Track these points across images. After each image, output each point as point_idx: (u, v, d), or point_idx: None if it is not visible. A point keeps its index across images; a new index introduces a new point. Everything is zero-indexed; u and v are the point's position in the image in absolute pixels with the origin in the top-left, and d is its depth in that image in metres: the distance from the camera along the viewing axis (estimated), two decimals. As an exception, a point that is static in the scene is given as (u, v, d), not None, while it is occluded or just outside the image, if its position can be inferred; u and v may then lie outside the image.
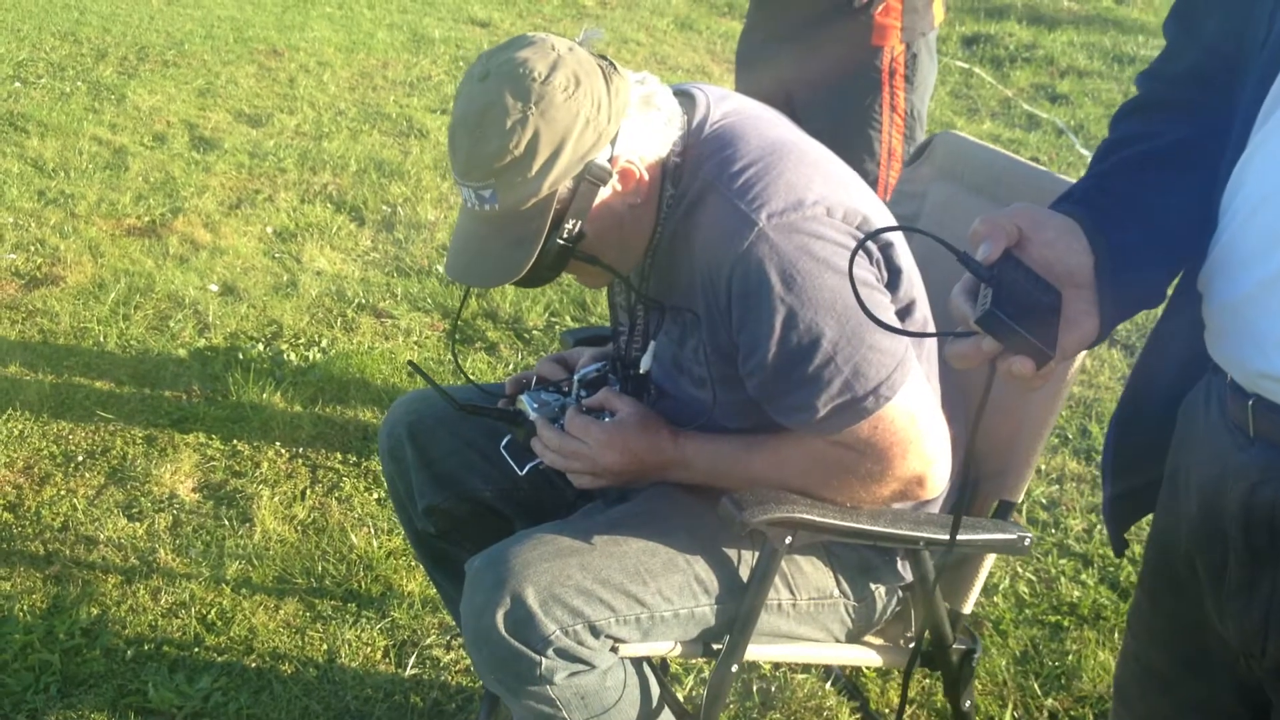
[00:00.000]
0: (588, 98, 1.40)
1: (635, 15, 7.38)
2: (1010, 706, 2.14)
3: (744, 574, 1.55)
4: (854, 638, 1.67)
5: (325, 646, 2.18)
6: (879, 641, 1.72)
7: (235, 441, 2.77)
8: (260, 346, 3.20)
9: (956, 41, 6.86)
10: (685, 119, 1.53)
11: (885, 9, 2.47)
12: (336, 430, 2.84)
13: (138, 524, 2.47)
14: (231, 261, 3.70)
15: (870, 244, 1.47)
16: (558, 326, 3.40)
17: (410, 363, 1.79)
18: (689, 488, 1.61)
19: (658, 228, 1.53)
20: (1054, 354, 0.97)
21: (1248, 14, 1.01)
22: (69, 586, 2.27)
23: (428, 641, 2.20)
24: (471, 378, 2.08)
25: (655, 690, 1.58)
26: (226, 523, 2.49)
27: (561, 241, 1.45)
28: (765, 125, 1.55)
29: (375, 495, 2.61)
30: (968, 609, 1.70)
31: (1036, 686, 2.19)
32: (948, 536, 1.49)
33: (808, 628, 1.61)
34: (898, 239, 1.54)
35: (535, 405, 1.68)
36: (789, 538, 1.47)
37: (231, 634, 2.19)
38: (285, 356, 3.14)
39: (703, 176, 1.47)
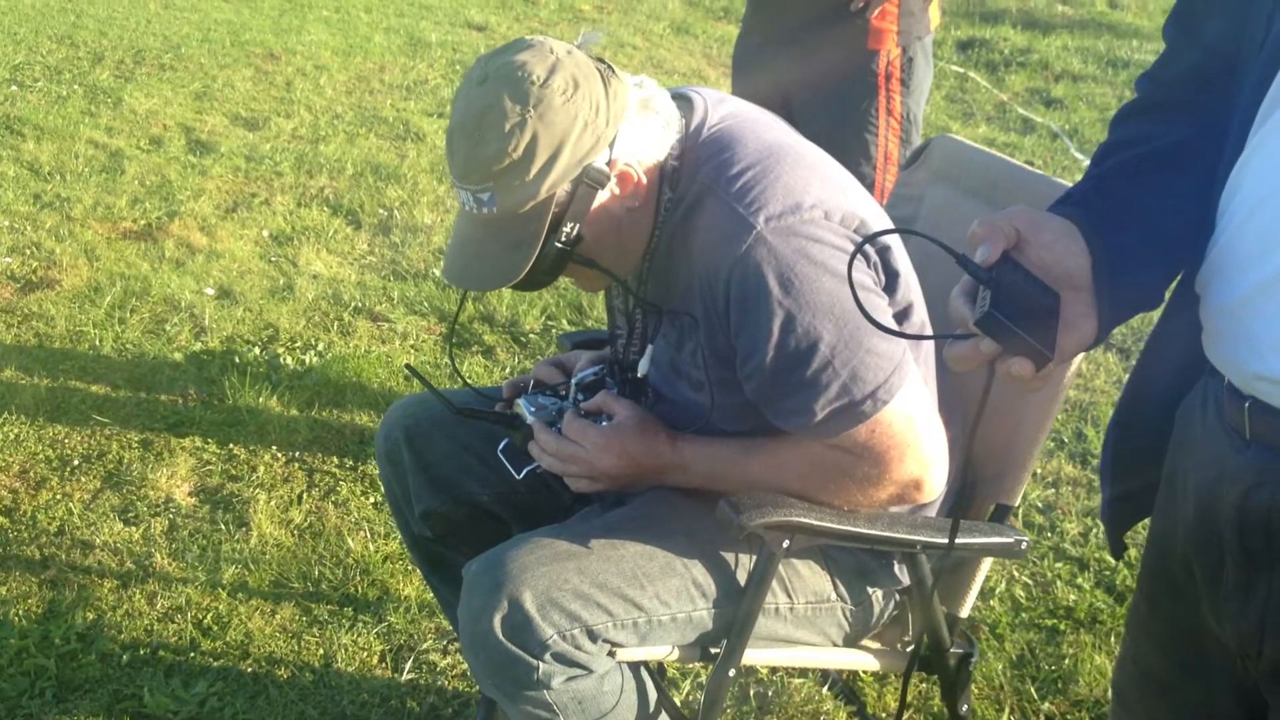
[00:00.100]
0: (586, 101, 1.40)
1: (632, 19, 7.39)
2: (1007, 711, 2.14)
3: (741, 578, 1.54)
4: (851, 642, 1.67)
5: (321, 651, 2.17)
6: (876, 645, 1.72)
7: (231, 445, 2.76)
8: (256, 350, 3.20)
9: (952, 46, 6.88)
10: (683, 122, 1.53)
11: (881, 13, 2.48)
12: (333, 434, 2.84)
13: (133, 528, 2.47)
14: (228, 265, 3.70)
15: (868, 248, 1.48)
16: (554, 330, 3.40)
17: (408, 366, 1.79)
18: (686, 491, 1.60)
19: (655, 231, 1.53)
20: (1053, 355, 0.97)
21: (1246, 16, 1.02)
22: (64, 591, 2.27)
23: (424, 646, 2.20)
24: (468, 381, 2.08)
25: (653, 695, 1.57)
26: (223, 527, 2.49)
27: (559, 245, 1.45)
28: (762, 128, 1.55)
29: (372, 499, 2.60)
30: (965, 613, 1.70)
31: (1033, 690, 2.19)
32: (945, 540, 1.49)
33: (805, 631, 1.61)
34: (895, 242, 1.54)
35: (532, 409, 1.68)
36: (786, 541, 1.47)
37: (228, 639, 2.18)
38: (281, 360, 3.14)
39: (700, 180, 1.47)
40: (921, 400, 1.47)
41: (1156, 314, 1.13)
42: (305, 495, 2.61)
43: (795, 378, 1.42)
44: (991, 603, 2.41)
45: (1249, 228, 0.98)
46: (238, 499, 2.58)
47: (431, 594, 2.11)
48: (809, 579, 1.60)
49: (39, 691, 2.04)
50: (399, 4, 7.34)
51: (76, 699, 2.03)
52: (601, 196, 1.45)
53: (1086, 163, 4.96)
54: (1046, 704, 2.16)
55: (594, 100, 1.41)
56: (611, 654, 1.50)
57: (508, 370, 3.19)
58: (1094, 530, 2.65)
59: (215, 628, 2.21)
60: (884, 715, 2.12)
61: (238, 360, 3.12)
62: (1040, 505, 2.77)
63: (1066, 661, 2.26)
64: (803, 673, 2.18)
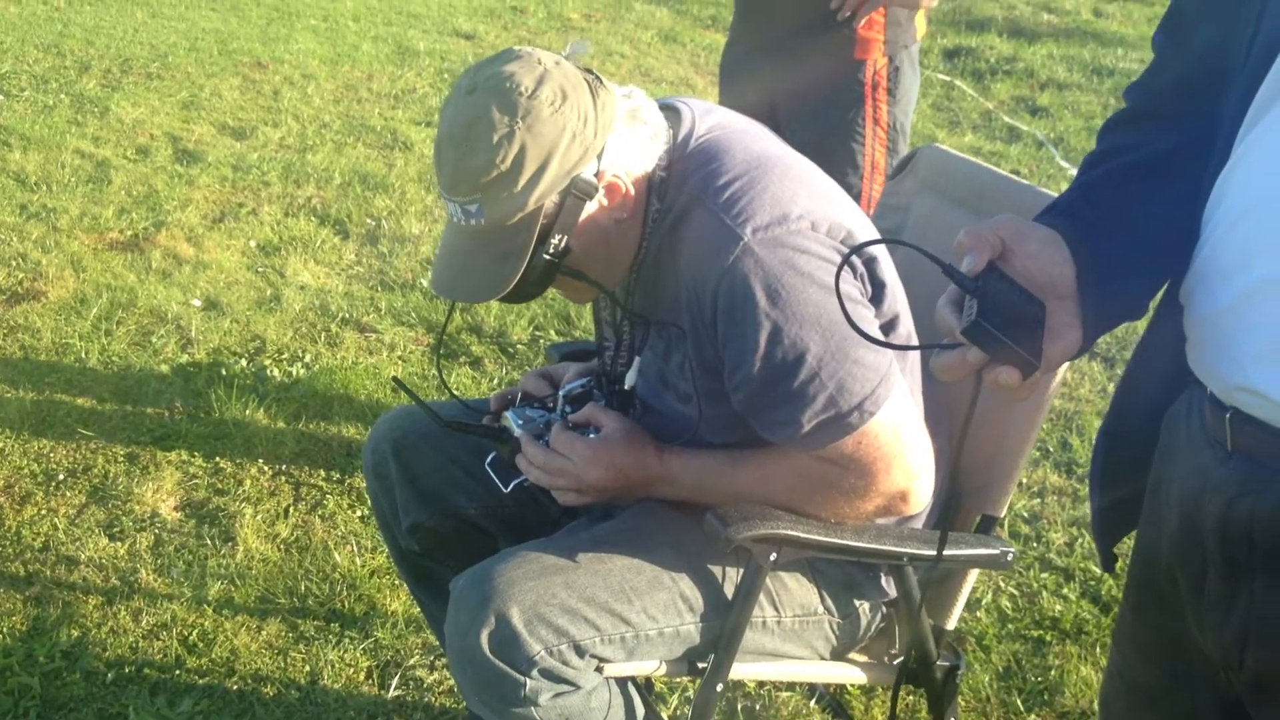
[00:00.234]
0: (574, 112, 1.40)
1: (620, 28, 7.39)
2: (994, 722, 2.14)
3: (729, 591, 1.54)
4: (838, 655, 1.67)
5: (308, 668, 2.16)
6: (863, 658, 1.72)
7: (218, 459, 2.75)
8: (243, 362, 3.19)
9: (938, 54, 6.90)
10: (670, 133, 1.53)
11: (868, 23, 2.48)
12: (320, 447, 2.83)
13: (119, 544, 2.45)
14: (215, 276, 3.68)
15: (854, 259, 1.48)
16: (542, 341, 3.39)
17: (394, 379, 1.79)
18: (674, 504, 1.60)
19: (643, 242, 1.53)
20: (1039, 363, 0.98)
21: (1233, 26, 1.02)
22: (49, 608, 2.25)
23: (411, 662, 2.19)
24: (456, 394, 2.07)
25: (640, 710, 1.57)
26: (209, 542, 2.47)
27: (548, 257, 1.45)
28: (750, 139, 1.55)
29: (359, 513, 2.59)
30: (951, 625, 1.70)
31: (1019, 703, 2.19)
32: (931, 552, 1.50)
33: (792, 645, 1.61)
34: (881, 253, 1.55)
35: (520, 422, 1.67)
36: (774, 554, 1.47)
37: (213, 655, 2.17)
38: (268, 372, 3.13)
39: (688, 191, 1.47)
40: (908, 412, 1.47)
41: (1143, 323, 1.13)
42: (292, 509, 2.59)
43: (782, 389, 1.42)
44: (978, 614, 2.41)
45: (1232, 237, 0.98)
46: (224, 513, 2.56)
47: (418, 609, 2.10)
48: (796, 592, 1.59)
49: (23, 711, 2.02)
50: (387, 13, 7.33)
51: (61, 718, 2.02)
52: (589, 208, 1.45)
53: (1072, 171, 5.00)
54: (1033, 716, 2.16)
55: (582, 111, 1.41)
56: (599, 669, 1.49)
57: (495, 381, 3.19)
58: (1079, 540, 2.66)
59: (201, 644, 2.20)
60: (872, 727, 2.12)
61: (224, 372, 3.11)
62: (1026, 515, 2.77)
63: (1053, 673, 2.26)
64: (790, 686, 2.18)
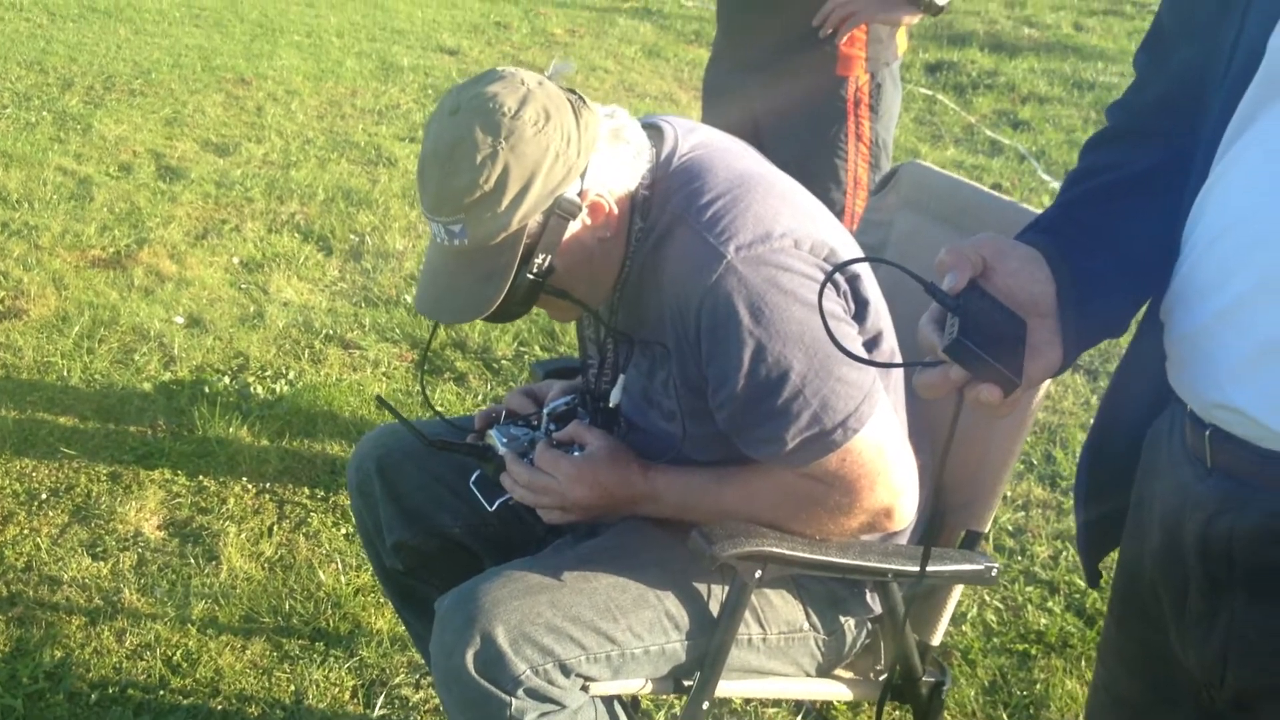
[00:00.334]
0: (557, 132, 1.41)
1: (603, 43, 7.41)
2: (981, 737, 2.15)
3: (714, 609, 1.54)
4: (824, 671, 1.67)
5: (293, 687, 2.15)
6: (849, 675, 1.72)
7: (201, 477, 2.74)
8: (226, 379, 3.17)
9: (920, 68, 6.94)
10: (654, 151, 1.53)
11: (850, 39, 2.50)
12: (304, 464, 2.82)
13: (102, 563, 2.44)
14: (197, 293, 3.67)
15: (838, 276, 1.49)
16: (526, 356, 3.39)
17: (378, 397, 1.79)
18: (659, 522, 1.60)
19: (627, 260, 1.53)
20: (1020, 381, 0.98)
21: (1212, 46, 1.03)
22: (32, 629, 2.24)
23: (396, 681, 2.18)
24: (440, 411, 2.07)
25: (626, 728, 1.57)
26: (192, 561, 2.46)
27: (531, 276, 1.45)
28: (733, 157, 1.56)
29: (343, 530, 2.58)
30: (936, 640, 1.71)
31: (1005, 717, 2.19)
32: (916, 568, 1.50)
33: (778, 662, 1.61)
34: (865, 270, 1.55)
35: (504, 440, 1.67)
36: (759, 571, 1.47)
37: (197, 676, 2.16)
38: (252, 389, 3.12)
39: (671, 209, 1.48)
40: (891, 428, 1.48)
41: (1127, 339, 1.14)
42: (276, 527, 2.58)
43: (766, 407, 1.43)
44: (963, 628, 2.42)
45: (1210, 255, 0.99)
46: (207, 532, 2.55)
47: (404, 627, 2.09)
48: (781, 609, 1.60)
49: (5, 732, 2.01)
50: (371, 29, 7.34)
51: (43, 739, 2.01)
52: (573, 227, 1.46)
53: (1054, 185, 5.04)
54: (1020, 729, 2.17)
55: (565, 131, 1.42)
56: (584, 688, 1.49)
57: (480, 398, 3.19)
58: (1064, 553, 2.67)
59: (185, 665, 2.18)
60: (859, 742, 2.12)
61: (207, 390, 3.10)
62: (1010, 528, 2.78)
63: (1038, 687, 2.26)
64: (776, 703, 2.18)
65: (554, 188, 1.42)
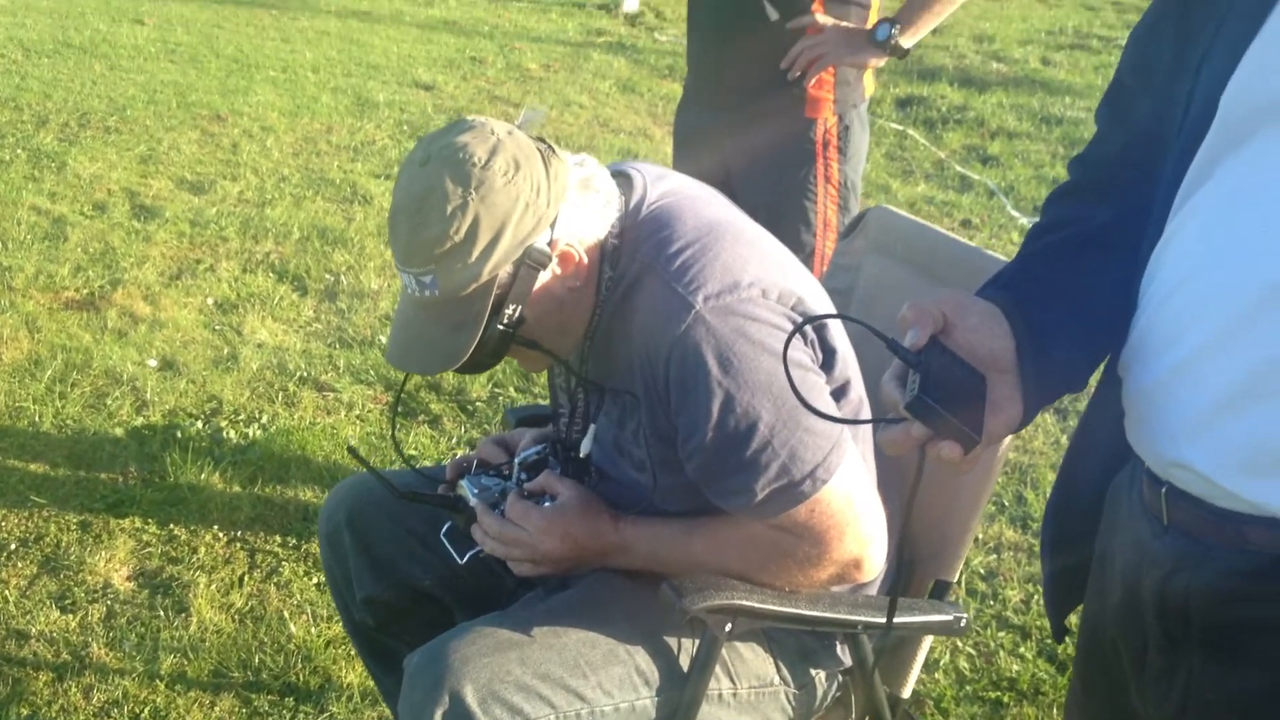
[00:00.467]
0: (527, 182, 1.42)
1: (578, 78, 7.45)
2: (953, 786, 2.14)
3: (684, 663, 1.54)
4: (796, 725, 1.67)
5: (263, 743, 2.13)
6: (821, 728, 1.71)
7: (172, 526, 2.72)
8: (199, 424, 3.16)
9: (891, 103, 7.00)
10: (623, 200, 1.54)
11: (818, 82, 2.52)
12: (276, 511, 2.80)
13: (70, 616, 2.41)
14: (171, 335, 3.66)
15: (807, 326, 1.49)
16: (501, 398, 3.39)
17: (350, 449, 1.78)
18: (629, 573, 1.60)
19: (597, 309, 1.54)
20: (980, 438, 0.99)
21: (1169, 101, 1.05)
22: (-1, 684, 2.21)
23: (368, 735, 2.17)
24: (411, 462, 2.07)
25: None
26: (161, 613, 2.44)
27: (502, 327, 1.46)
28: (701, 205, 1.57)
29: (315, 580, 2.57)
30: (907, 691, 1.71)
31: (979, 764, 2.19)
32: (884, 620, 1.50)
33: (749, 717, 1.60)
34: (832, 319, 1.56)
35: (476, 490, 1.67)
36: (729, 625, 1.47)
37: (166, 732, 2.14)
38: (224, 434, 3.10)
39: (640, 258, 1.49)
40: (860, 478, 1.49)
41: (1090, 393, 1.15)
42: (247, 577, 2.56)
43: (735, 458, 1.43)
44: (936, 675, 2.41)
45: (1165, 310, 1.00)
46: (177, 582, 2.53)
47: (374, 682, 2.08)
48: (752, 663, 1.59)
49: (-29, 791, 1.98)
50: (346, 64, 7.35)
51: (10, 797, 1.98)
52: (543, 277, 1.47)
53: (1023, 221, 5.09)
54: (993, 777, 2.17)
55: (535, 181, 1.43)
56: (554, 746, 1.48)
57: (455, 440, 3.18)
58: (1036, 597, 2.67)
59: (153, 721, 2.16)
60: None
61: (180, 435, 3.08)
62: (982, 572, 2.79)
63: (1011, 735, 2.27)
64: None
65: (524, 238, 1.43)
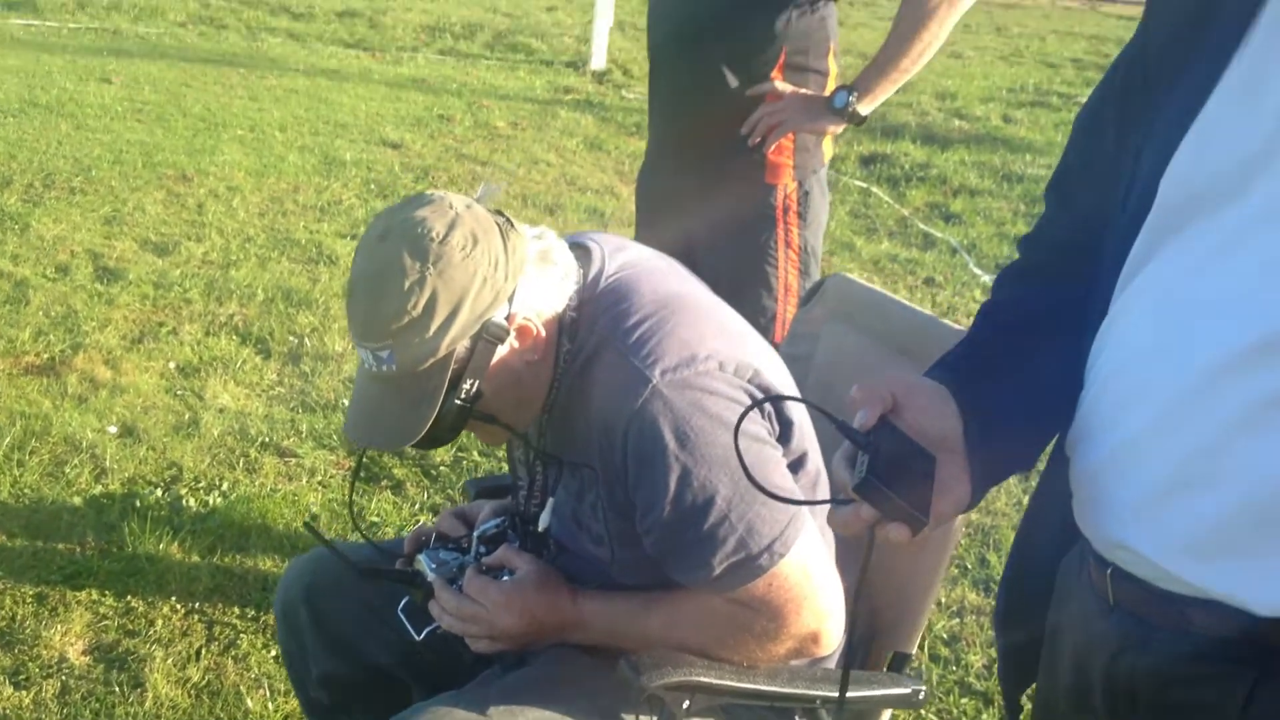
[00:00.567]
0: (485, 256, 1.42)
1: (545, 136, 7.52)
2: None
3: (643, 741, 1.53)
4: (755, 802, 1.65)
5: (218, 824, 2.09)
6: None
7: (129, 597, 2.68)
8: (159, 492, 3.12)
9: (855, 161, 7.10)
10: (581, 272, 1.55)
11: (778, 148, 2.55)
12: (235, 581, 2.77)
13: (24, 692, 2.36)
14: (132, 400, 3.62)
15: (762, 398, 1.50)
16: (465, 462, 3.38)
17: (307, 524, 1.77)
18: (588, 649, 1.59)
19: (555, 383, 1.54)
20: (928, 520, 1.00)
21: (1111, 187, 1.07)
22: (-53, 765, 2.16)
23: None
24: (370, 535, 2.05)
25: None
26: (117, 689, 2.39)
27: (459, 401, 1.46)
28: (659, 278, 1.58)
29: (273, 652, 2.53)
30: (868, 765, 1.70)
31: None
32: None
33: (708, 796, 1.59)
34: (790, 390, 1.58)
35: (433, 565, 1.66)
36: (686, 701, 1.47)
37: (119, 812, 2.09)
38: (184, 502, 3.07)
39: (598, 331, 1.50)
40: (818, 551, 1.49)
41: (1040, 470, 1.16)
42: (204, 650, 2.52)
43: (692, 532, 1.43)
44: (900, 742, 2.40)
45: (1108, 393, 1.02)
46: (133, 656, 2.49)
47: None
48: (710, 740, 1.58)
49: None
50: (314, 122, 7.39)
51: None
52: (501, 351, 1.47)
53: (985, 279, 5.15)
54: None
55: (493, 255, 1.43)
56: (510, 830, 1.46)
57: (418, 506, 3.16)
58: (998, 662, 2.66)
59: (106, 803, 2.11)
60: None
61: (139, 504, 3.04)
62: (945, 636, 2.78)
63: (974, 804, 2.26)
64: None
65: (482, 312, 1.43)
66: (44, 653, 2.48)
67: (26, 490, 3.09)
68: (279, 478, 3.26)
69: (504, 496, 1.86)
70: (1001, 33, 14.02)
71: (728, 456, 1.41)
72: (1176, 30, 1.02)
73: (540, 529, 1.65)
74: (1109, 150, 1.10)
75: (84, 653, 2.50)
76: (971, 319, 1.21)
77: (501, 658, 1.66)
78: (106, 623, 2.59)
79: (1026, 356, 1.13)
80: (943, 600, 2.89)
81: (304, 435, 3.49)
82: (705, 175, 2.61)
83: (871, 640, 1.70)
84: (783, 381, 1.57)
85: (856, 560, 1.63)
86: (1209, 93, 0.95)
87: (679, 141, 2.69)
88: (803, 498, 1.50)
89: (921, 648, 2.62)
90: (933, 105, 8.63)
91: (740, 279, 2.57)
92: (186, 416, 3.55)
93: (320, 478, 3.28)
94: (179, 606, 2.66)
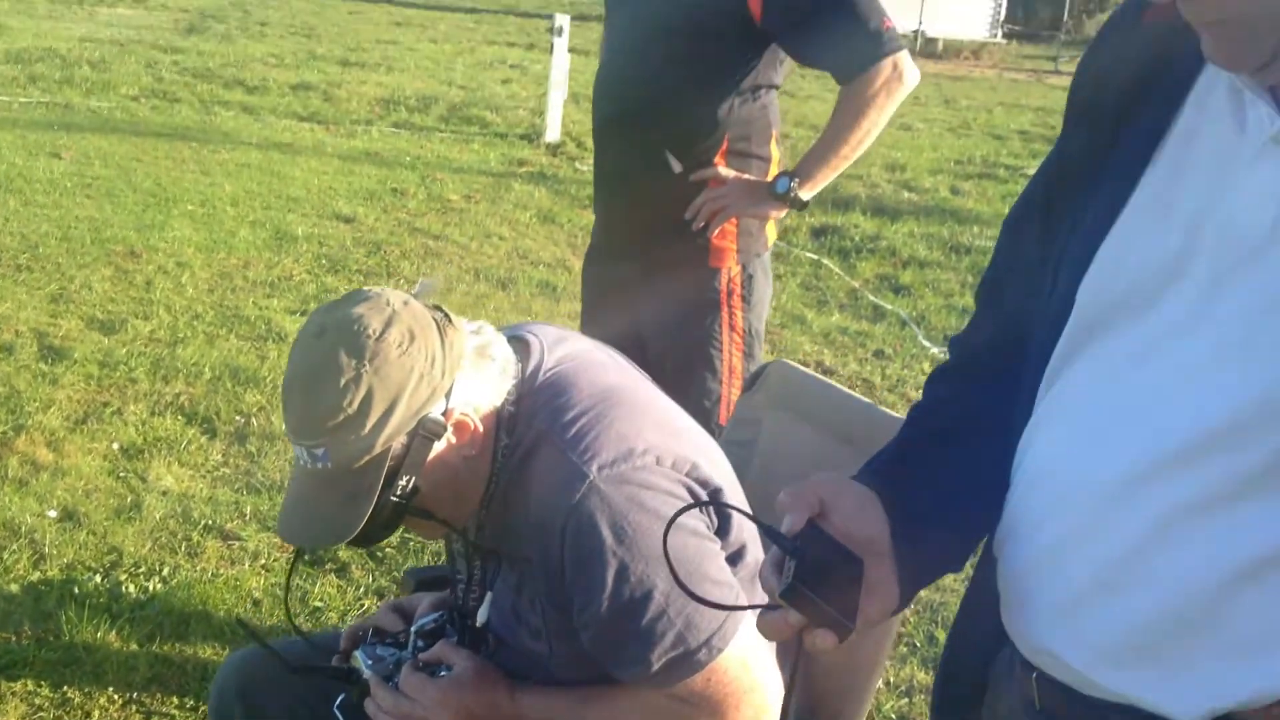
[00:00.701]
0: (422, 353, 1.43)
1: (499, 209, 7.56)
2: None
3: (579, 844, 1.51)
4: None
5: None
6: None
7: (65, 688, 2.61)
8: (98, 578, 3.06)
9: (806, 233, 7.20)
10: (519, 366, 1.56)
11: (721, 232, 2.59)
12: (174, 670, 2.71)
13: (-49, 793, 2.29)
14: (73, 483, 3.56)
15: (701, 492, 1.51)
16: (412, 544, 3.34)
17: (239, 621, 1.75)
18: (525, 746, 1.57)
19: (493, 477, 1.54)
20: (854, 625, 1.00)
21: (1037, 288, 1.09)
22: None
23: None
24: (303, 632, 2.02)
25: None
26: (49, 787, 2.33)
27: (395, 498, 1.45)
28: (598, 370, 1.59)
29: (212, 745, 2.47)
30: None
31: None
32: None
33: None
34: (727, 483, 1.58)
35: (370, 662, 1.64)
36: (626, 801, 1.45)
37: None
38: (124, 588, 3.01)
39: (536, 426, 1.50)
40: (757, 645, 1.49)
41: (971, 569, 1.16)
42: (141, 744, 2.47)
43: (630, 628, 1.43)
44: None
45: (1030, 498, 1.03)
46: (67, 752, 2.43)
47: None
48: (648, 838, 1.56)
49: None
50: (266, 196, 7.37)
51: None
52: (438, 447, 1.47)
53: (934, 350, 5.21)
54: None
55: (430, 352, 1.44)
56: None
57: (362, 590, 3.11)
58: (950, 739, 2.66)
59: None
60: None
61: (77, 590, 2.98)
62: (894, 717, 2.77)
63: None
64: None
65: (419, 409, 1.43)
66: (-27, 751, 2.41)
67: (-39, 579, 3.02)
68: (221, 562, 3.21)
69: (444, 587, 1.84)
70: (950, 105, 14.35)
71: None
72: (1092, 144, 1.05)
73: (479, 623, 1.64)
74: (1033, 254, 1.13)
75: (15, 750, 2.44)
76: (920, 392, 1.22)
77: (438, 756, 1.63)
78: (42, 714, 2.53)
79: (953, 461, 1.14)
80: (891, 679, 2.88)
81: (248, 517, 3.44)
82: (650, 259, 2.64)
83: (814, 732, 1.69)
84: (723, 474, 1.57)
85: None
86: (1123, 205, 0.98)
87: (624, 223, 2.73)
88: (740, 590, 1.50)
89: (869, 731, 2.61)
90: (883, 177, 8.79)
91: (685, 362, 2.59)
92: (129, 499, 3.50)
93: (264, 561, 3.23)
94: (116, 697, 2.60)
